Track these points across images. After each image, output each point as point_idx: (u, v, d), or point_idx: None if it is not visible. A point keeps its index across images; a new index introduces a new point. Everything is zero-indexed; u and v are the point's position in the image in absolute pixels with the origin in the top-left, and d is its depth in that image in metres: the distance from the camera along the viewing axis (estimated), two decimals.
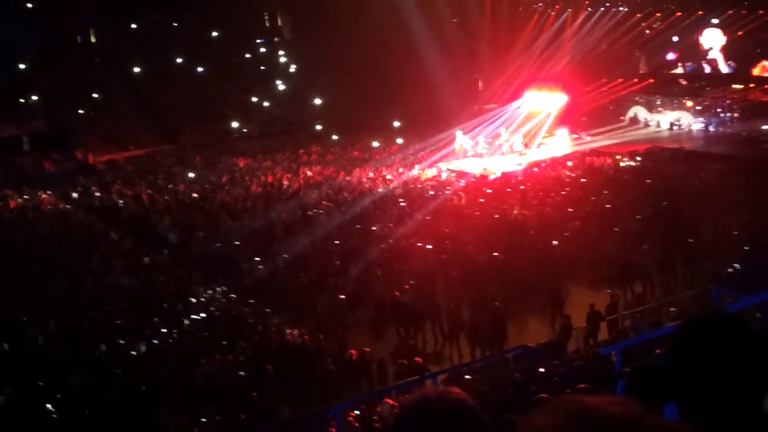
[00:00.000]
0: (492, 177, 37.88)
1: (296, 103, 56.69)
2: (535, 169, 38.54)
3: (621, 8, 51.31)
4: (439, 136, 47.30)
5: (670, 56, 51.59)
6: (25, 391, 17.64)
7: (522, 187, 34.82)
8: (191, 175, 43.33)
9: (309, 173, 41.77)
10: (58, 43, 55.96)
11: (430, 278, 25.64)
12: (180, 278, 26.58)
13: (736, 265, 23.07)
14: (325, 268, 26.67)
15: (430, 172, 40.71)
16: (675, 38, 50.80)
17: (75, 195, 40.50)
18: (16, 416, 16.54)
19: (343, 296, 24.39)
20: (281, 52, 61.24)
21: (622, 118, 49.15)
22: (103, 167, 46.13)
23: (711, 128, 44.79)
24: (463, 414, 1.88)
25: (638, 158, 39.00)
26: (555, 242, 26.72)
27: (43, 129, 49.58)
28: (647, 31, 52.02)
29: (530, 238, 27.44)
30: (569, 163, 39.24)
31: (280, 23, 64.53)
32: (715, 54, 48.73)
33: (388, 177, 39.87)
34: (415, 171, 40.97)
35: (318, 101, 56.51)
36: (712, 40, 48.77)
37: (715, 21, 48.59)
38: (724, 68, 48.74)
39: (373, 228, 30.49)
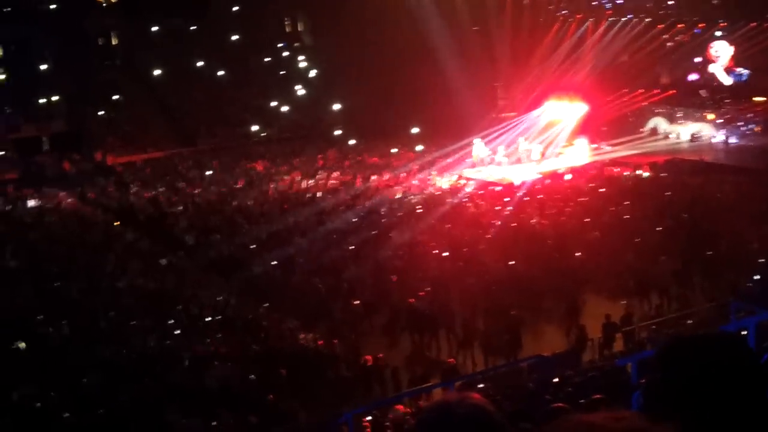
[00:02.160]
0: (510, 185, 37.72)
1: (315, 108, 56.72)
2: (548, 181, 38.31)
3: (643, 18, 51.04)
4: (458, 144, 47.20)
5: (692, 77, 51.25)
6: (39, 390, 17.68)
7: (540, 196, 34.70)
8: (209, 178, 43.48)
9: (327, 179, 41.79)
10: (79, 44, 56.33)
11: (446, 285, 25.57)
12: (196, 280, 26.61)
13: (756, 278, 22.88)
14: (341, 274, 26.66)
15: (448, 180, 40.62)
16: (697, 59, 50.45)
17: (93, 196, 40.73)
18: (29, 415, 16.58)
19: (357, 302, 24.36)
20: (301, 57, 61.30)
21: (641, 129, 48.91)
22: (122, 169, 46.34)
23: (732, 141, 44.49)
24: (483, 419, 1.90)
25: (658, 170, 38.78)
26: (578, 254, 26.53)
27: (63, 130, 49.91)
28: (669, 44, 51.80)
29: (547, 248, 27.30)
30: (589, 173, 39.13)
31: (300, 28, 64.63)
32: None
33: (406, 184, 39.82)
34: (433, 178, 40.90)
35: (337, 106, 56.55)
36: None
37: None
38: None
39: (390, 234, 30.45)
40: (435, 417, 1.93)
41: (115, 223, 34.89)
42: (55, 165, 46.73)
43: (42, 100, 50.85)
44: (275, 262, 28.16)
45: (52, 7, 58.67)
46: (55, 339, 20.97)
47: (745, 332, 10.72)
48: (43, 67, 54.09)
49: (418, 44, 48.81)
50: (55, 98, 51.28)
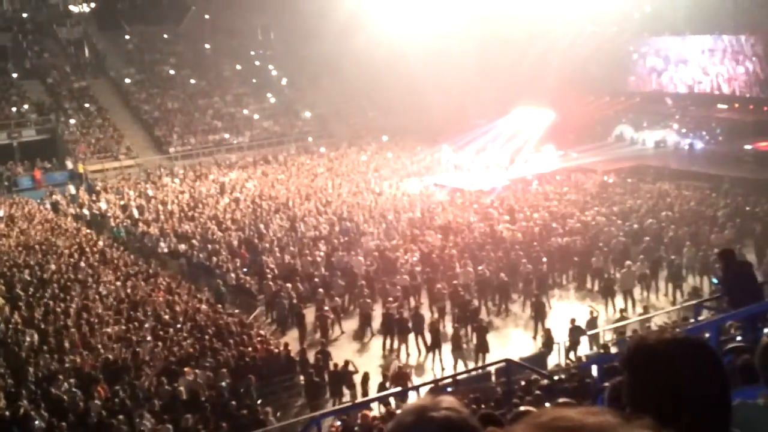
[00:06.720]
0: (479, 192, 38.06)
1: (287, 116, 56.91)
2: (516, 187, 38.71)
3: (610, 28, 51.55)
4: (427, 151, 47.62)
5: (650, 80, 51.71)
6: (10, 399, 17.74)
7: (508, 203, 35.08)
8: (181, 185, 43.52)
9: (298, 186, 41.95)
10: (51, 52, 56.21)
11: (416, 291, 25.95)
12: (167, 287, 26.69)
13: (716, 281, 23.28)
14: (312, 280, 26.91)
15: (418, 187, 40.90)
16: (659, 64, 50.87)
17: (64, 204, 40.64)
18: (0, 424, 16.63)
19: (328, 308, 24.60)
20: (273, 66, 61.47)
21: (608, 137, 49.40)
22: (93, 176, 46.21)
23: (696, 147, 45.10)
24: (459, 423, 1.90)
25: (623, 176, 39.31)
26: (545, 258, 26.94)
27: (34, 137, 49.61)
28: (635, 55, 52.52)
29: (515, 253, 27.67)
30: (557, 178, 39.61)
31: (272, 37, 64.84)
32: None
33: (377, 190, 40.07)
34: (403, 185, 41.17)
35: (308, 114, 56.76)
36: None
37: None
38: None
39: (361, 241, 30.74)
40: (411, 421, 1.90)
41: (87, 231, 34.87)
42: (26, 173, 46.50)
43: (14, 108, 50.52)
44: (246, 269, 28.43)
45: (25, 15, 58.66)
46: (24, 347, 21.02)
47: (708, 335, 10.98)
48: (15, 74, 53.82)
49: (388, 53, 49.14)
50: (26, 106, 50.98)
